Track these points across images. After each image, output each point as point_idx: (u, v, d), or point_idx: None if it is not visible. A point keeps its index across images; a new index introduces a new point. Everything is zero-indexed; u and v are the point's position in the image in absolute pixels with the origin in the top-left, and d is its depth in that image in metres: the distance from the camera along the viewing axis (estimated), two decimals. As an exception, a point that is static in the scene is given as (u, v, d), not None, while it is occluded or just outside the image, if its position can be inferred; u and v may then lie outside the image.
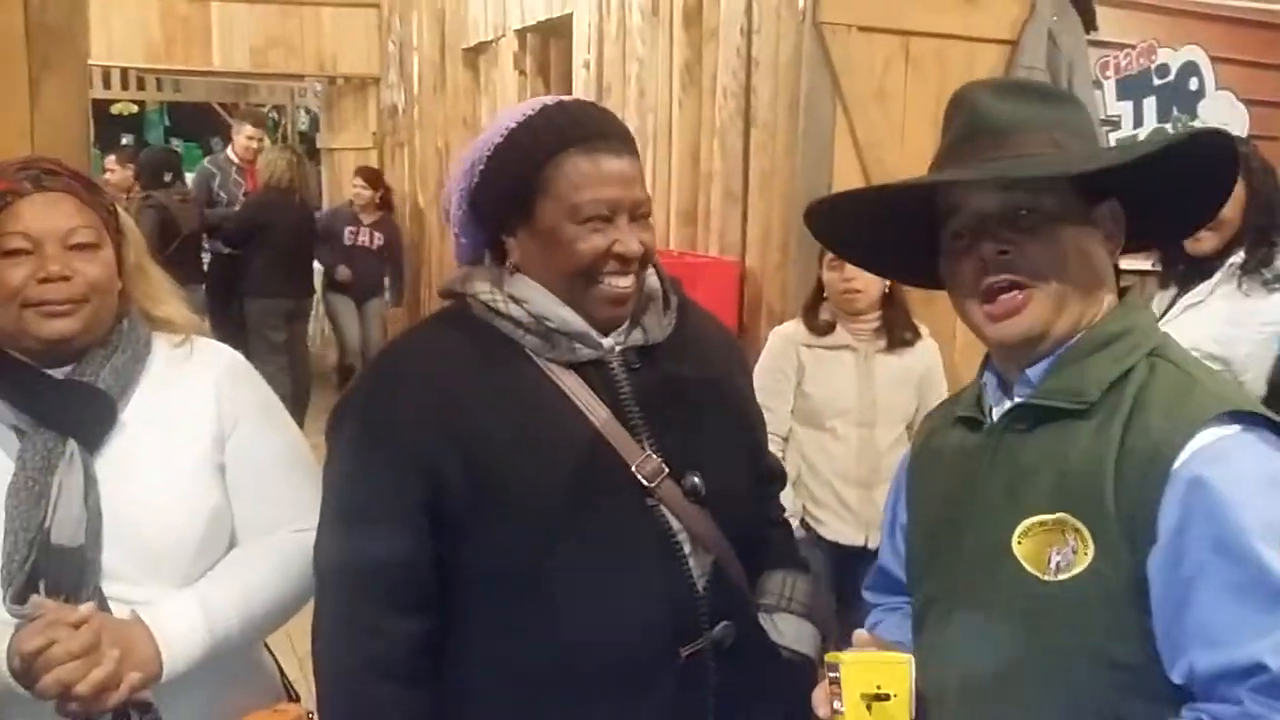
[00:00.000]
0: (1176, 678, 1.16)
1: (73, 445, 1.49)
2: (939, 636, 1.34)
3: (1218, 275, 2.89)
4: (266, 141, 7.72)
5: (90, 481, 1.49)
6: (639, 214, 1.45)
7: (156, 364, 1.61)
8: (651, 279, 1.54)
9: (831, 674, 1.27)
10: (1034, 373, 1.30)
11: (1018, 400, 1.31)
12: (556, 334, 1.45)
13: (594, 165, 1.42)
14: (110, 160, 7.51)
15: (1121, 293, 1.34)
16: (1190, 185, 1.31)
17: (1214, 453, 1.15)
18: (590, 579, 1.42)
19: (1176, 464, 1.15)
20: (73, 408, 1.51)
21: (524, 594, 1.43)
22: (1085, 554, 1.19)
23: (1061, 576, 1.20)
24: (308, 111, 11.87)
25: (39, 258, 1.49)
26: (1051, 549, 1.22)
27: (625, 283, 1.45)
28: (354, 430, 1.47)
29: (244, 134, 7.44)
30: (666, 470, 1.46)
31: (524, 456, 1.41)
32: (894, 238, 1.40)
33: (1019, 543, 1.24)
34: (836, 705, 1.25)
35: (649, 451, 1.46)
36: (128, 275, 1.62)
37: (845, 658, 1.26)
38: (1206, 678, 1.14)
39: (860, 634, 1.34)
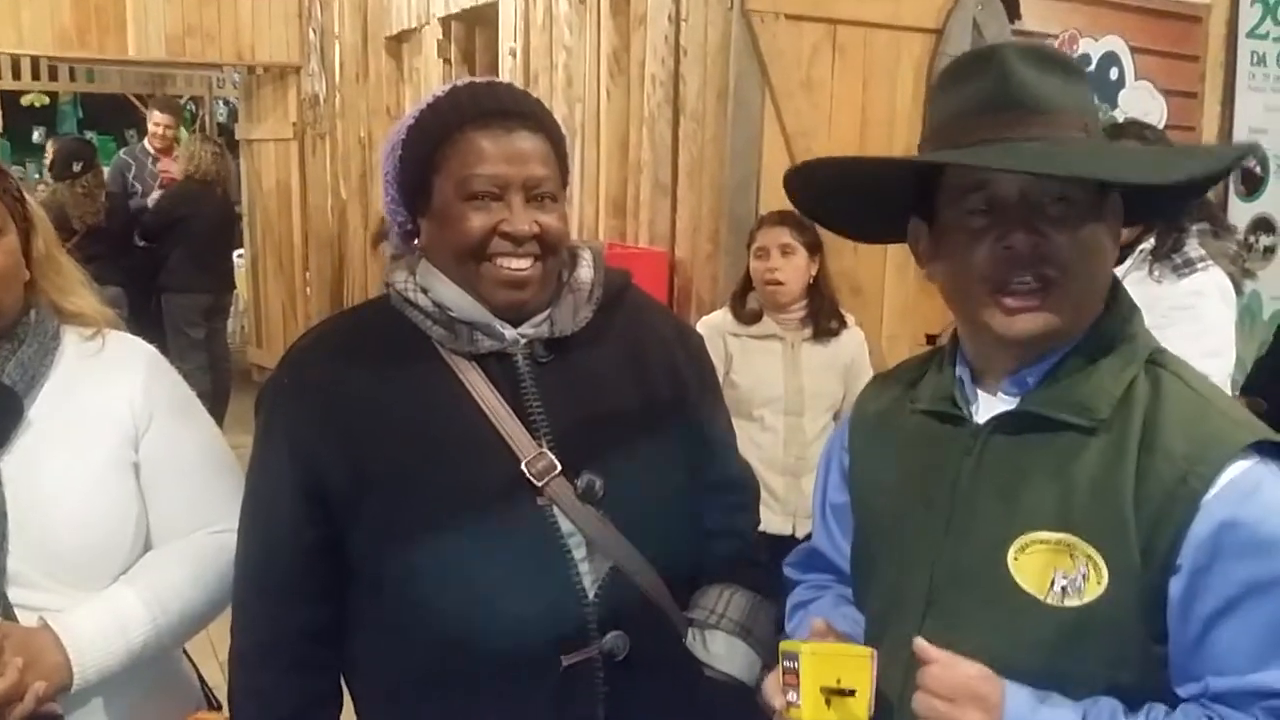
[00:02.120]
0: (1184, 694, 1.14)
1: None
2: (907, 640, 1.23)
3: (1129, 261, 2.93)
4: (184, 132, 7.53)
5: None
6: (537, 193, 1.40)
7: (66, 358, 1.53)
8: (584, 269, 1.50)
9: (787, 663, 1.20)
10: (1032, 375, 1.22)
11: (1015, 407, 1.23)
12: (459, 324, 1.42)
13: (487, 141, 1.38)
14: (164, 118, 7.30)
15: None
16: (1182, 188, 1.25)
17: (1246, 488, 1.10)
18: (470, 578, 1.37)
19: (1208, 496, 1.10)
20: None
21: (406, 590, 1.39)
22: (1099, 582, 1.13)
23: (1070, 603, 1.14)
24: (226, 102, 11.62)
25: None
26: (1055, 571, 1.15)
27: (519, 265, 1.40)
28: (258, 422, 1.47)
29: (153, 121, 7.26)
30: (558, 469, 1.40)
31: (410, 452, 1.38)
32: (866, 200, 1.32)
33: (1015, 558, 1.17)
34: (792, 697, 1.19)
35: (544, 449, 1.40)
36: (36, 265, 1.54)
37: (805, 647, 1.19)
38: (1219, 693, 1.11)
39: (818, 623, 1.29)
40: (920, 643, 1.16)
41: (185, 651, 1.69)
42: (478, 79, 1.50)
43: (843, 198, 1.33)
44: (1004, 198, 1.17)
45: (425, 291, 1.43)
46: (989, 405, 1.26)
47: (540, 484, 1.39)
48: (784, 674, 1.21)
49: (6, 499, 1.42)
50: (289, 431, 1.42)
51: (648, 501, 1.46)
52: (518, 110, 1.42)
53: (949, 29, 3.88)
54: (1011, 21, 4.00)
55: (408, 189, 1.45)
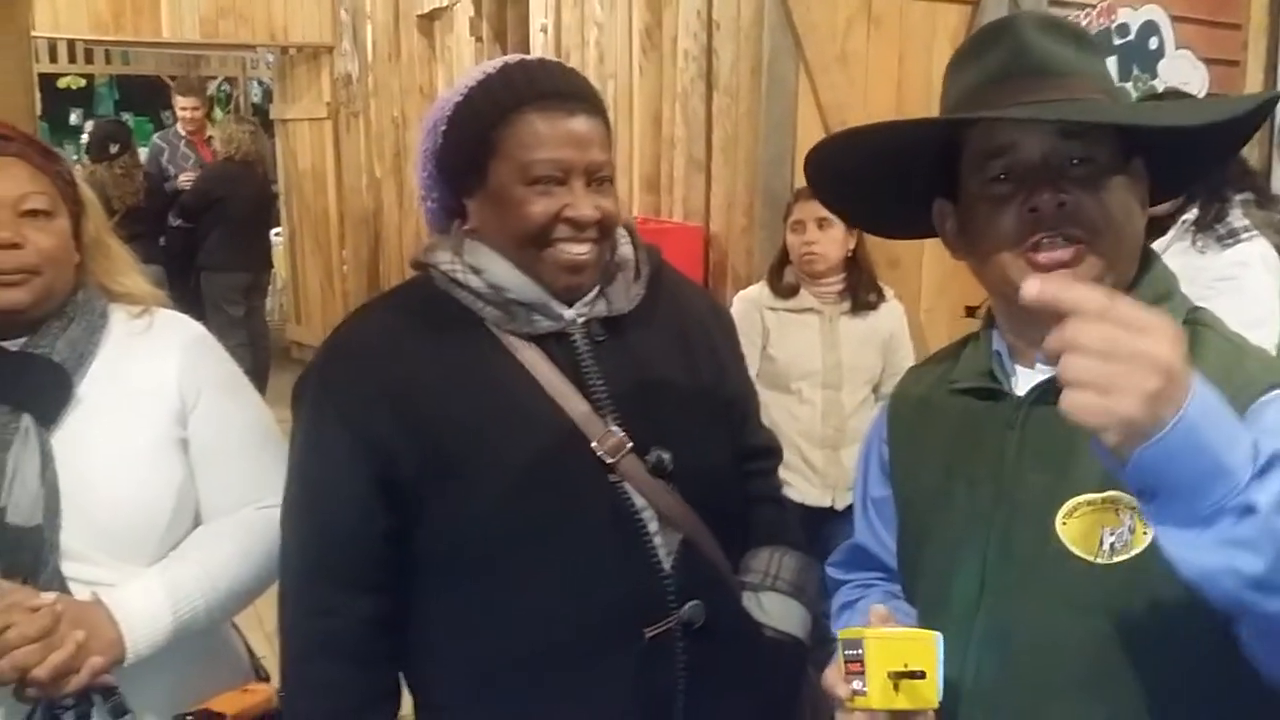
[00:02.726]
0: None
1: (27, 420, 1.45)
2: (963, 624, 1.23)
3: (1171, 233, 2.90)
4: (219, 112, 7.58)
5: (46, 458, 1.44)
6: (597, 177, 1.40)
7: (114, 336, 1.56)
8: (625, 247, 1.50)
9: (850, 651, 1.18)
10: None
11: (1053, 374, 1.23)
12: (515, 304, 1.41)
13: (547, 124, 1.37)
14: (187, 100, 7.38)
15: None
16: (1208, 145, 1.22)
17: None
18: (548, 557, 1.38)
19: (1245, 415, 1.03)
20: (26, 381, 1.46)
21: (481, 573, 1.39)
22: (1145, 531, 1.10)
23: (1119, 559, 1.12)
24: (260, 83, 11.68)
25: None
26: (1103, 530, 1.13)
27: (580, 250, 1.39)
28: (309, 407, 1.43)
29: (178, 105, 7.33)
30: (630, 445, 1.41)
31: (479, 433, 1.37)
32: (889, 187, 1.29)
33: (1063, 524, 1.15)
34: (857, 685, 1.16)
35: (611, 427, 1.41)
36: (86, 248, 1.57)
37: (868, 633, 1.17)
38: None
39: (878, 608, 1.27)
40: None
41: (234, 623, 1.72)
42: (528, 57, 1.47)
43: (864, 184, 1.31)
44: (1026, 161, 1.16)
45: (477, 272, 1.41)
46: (1028, 378, 1.25)
47: (612, 461, 1.40)
48: (846, 663, 1.19)
49: (59, 475, 1.45)
50: (349, 418, 1.38)
51: (708, 473, 1.48)
52: (575, 92, 1.41)
53: (985, 1, 3.84)
54: (1050, -9, 3.95)
55: (454, 168, 1.44)
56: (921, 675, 1.13)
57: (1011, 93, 1.16)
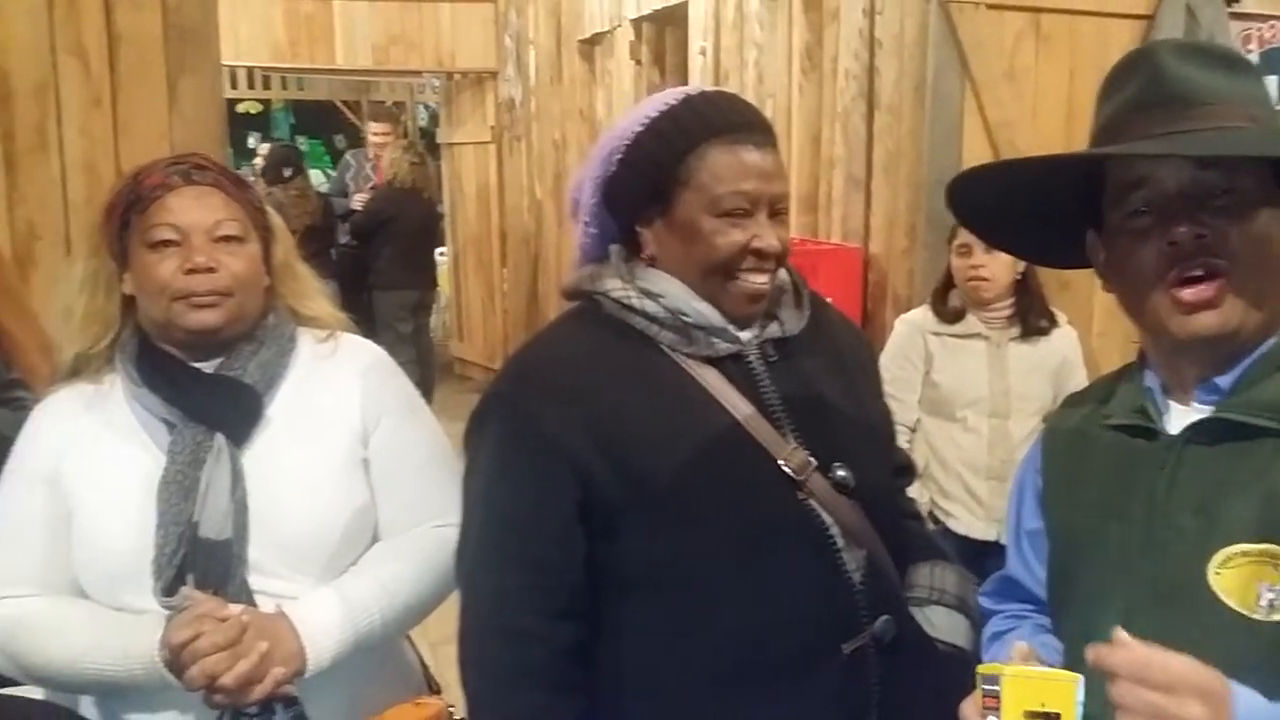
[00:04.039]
0: None
1: (220, 439, 1.51)
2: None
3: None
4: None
5: (237, 476, 1.51)
6: (778, 209, 1.43)
7: (302, 359, 1.63)
8: (781, 272, 1.51)
9: (988, 686, 1.17)
10: (1224, 380, 1.17)
11: (1208, 415, 1.17)
12: (694, 329, 1.43)
13: (736, 157, 1.39)
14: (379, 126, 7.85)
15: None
16: None
17: None
18: (745, 575, 1.39)
19: None
20: (220, 402, 1.54)
21: (677, 592, 1.40)
22: None
23: (1278, 616, 1.08)
24: (426, 107, 12.05)
25: (186, 249, 1.52)
26: (1260, 584, 1.09)
27: (762, 280, 1.42)
28: (498, 434, 1.42)
29: (370, 130, 7.65)
30: (814, 463, 1.42)
31: (671, 454, 1.38)
32: (1039, 215, 1.28)
33: (1217, 574, 1.12)
34: None
35: (794, 445, 1.42)
36: (275, 272, 1.64)
37: (1007, 670, 1.15)
38: None
39: (1021, 646, 1.24)
40: (1122, 633, 1.07)
41: (407, 637, 1.76)
42: (708, 88, 1.51)
43: (1009, 215, 1.30)
44: (1164, 193, 1.13)
45: (654, 298, 1.43)
46: (1182, 416, 1.20)
47: (800, 479, 1.41)
48: (984, 697, 1.17)
49: (248, 492, 1.51)
50: (547, 445, 1.37)
51: (881, 490, 1.51)
52: (758, 124, 1.44)
53: (1160, 14, 3.70)
54: (1228, 4, 3.78)
55: (632, 196, 1.45)
56: (1057, 718, 1.11)
57: (1147, 124, 1.14)
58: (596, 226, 1.51)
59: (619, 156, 1.45)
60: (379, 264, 6.75)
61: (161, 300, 1.52)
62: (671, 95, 1.46)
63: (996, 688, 1.15)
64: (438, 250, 8.14)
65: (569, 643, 1.40)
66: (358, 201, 7.23)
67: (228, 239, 1.55)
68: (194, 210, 1.54)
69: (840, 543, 1.43)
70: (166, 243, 1.52)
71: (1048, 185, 1.26)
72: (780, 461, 1.41)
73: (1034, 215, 1.29)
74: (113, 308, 1.58)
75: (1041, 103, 3.67)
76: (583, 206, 1.51)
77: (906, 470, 1.74)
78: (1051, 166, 1.27)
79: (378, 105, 9.99)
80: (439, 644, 1.77)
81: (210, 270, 1.52)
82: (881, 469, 1.55)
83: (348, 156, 8.03)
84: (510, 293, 7.93)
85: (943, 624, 1.53)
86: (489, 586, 1.42)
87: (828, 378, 1.51)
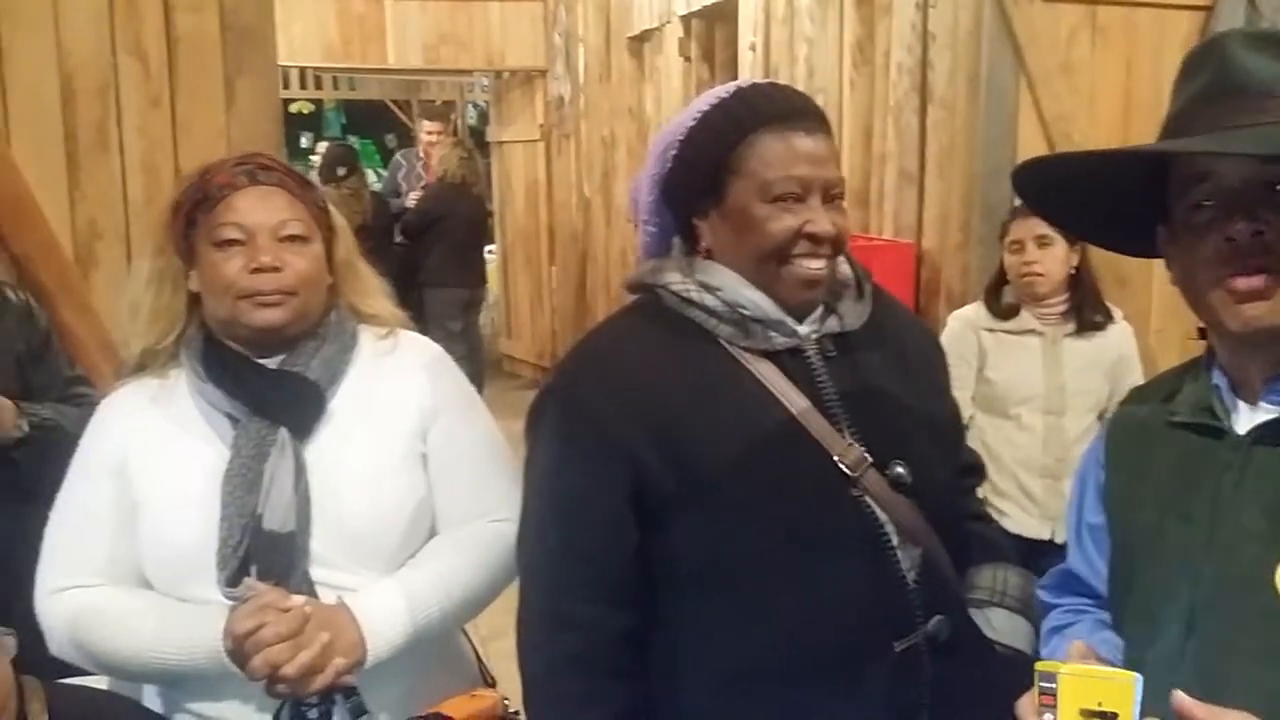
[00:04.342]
0: None
1: (284, 433, 1.54)
2: (1167, 669, 1.18)
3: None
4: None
5: (300, 469, 1.53)
6: (832, 194, 1.42)
7: (363, 356, 1.65)
8: (843, 266, 1.51)
9: (1044, 684, 1.16)
10: None
11: (1276, 413, 1.15)
12: (751, 321, 1.43)
13: (786, 143, 1.40)
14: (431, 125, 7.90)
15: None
16: None
17: None
18: (797, 570, 1.39)
19: None
20: (284, 397, 1.56)
21: (730, 586, 1.41)
22: None
23: None
24: (475, 105, 12.12)
25: (251, 249, 1.54)
26: None
27: (817, 265, 1.42)
28: (555, 424, 1.45)
29: (423, 130, 7.71)
30: (869, 460, 1.42)
31: (724, 447, 1.39)
32: (1107, 201, 1.26)
33: None
34: (1048, 718, 1.14)
35: (850, 440, 1.42)
36: (337, 270, 1.66)
37: (1063, 668, 1.15)
38: None
39: (1079, 644, 1.24)
40: (1181, 696, 1.07)
41: (463, 630, 1.78)
42: (760, 81, 1.52)
43: (1082, 201, 1.28)
44: (1227, 188, 1.11)
45: (712, 290, 1.44)
46: (1250, 415, 1.18)
47: (855, 475, 1.41)
48: (1040, 694, 1.16)
49: (310, 485, 1.53)
50: (604, 432, 1.40)
51: (940, 488, 1.49)
52: (809, 111, 1.44)
53: (1220, 5, 3.63)
54: (1293, -9, 3.71)
55: (687, 189, 1.47)
56: (1114, 718, 1.09)
57: (1214, 116, 1.12)
58: (656, 224, 1.53)
59: (674, 152, 1.46)
60: (429, 262, 6.79)
61: (227, 298, 1.55)
62: (724, 89, 1.47)
63: (1053, 685, 1.14)
64: (487, 248, 8.18)
65: (620, 631, 1.42)
66: (411, 200, 7.29)
67: (292, 238, 1.57)
68: (259, 210, 1.56)
69: (895, 540, 1.42)
70: (232, 242, 1.55)
71: (1114, 176, 1.25)
72: (835, 457, 1.40)
73: (1103, 204, 1.27)
74: (179, 304, 1.61)
75: (1098, 95, 3.63)
76: (641, 205, 1.53)
77: (974, 470, 1.72)
78: (1111, 161, 1.26)
79: (428, 104, 10.06)
80: (489, 639, 1.79)
81: (275, 269, 1.54)
82: (943, 467, 1.53)
83: (399, 156, 8.10)
84: (558, 290, 7.96)
85: (1003, 626, 1.51)
86: (544, 574, 1.45)
87: (889, 373, 1.50)
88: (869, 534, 1.42)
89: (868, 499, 1.42)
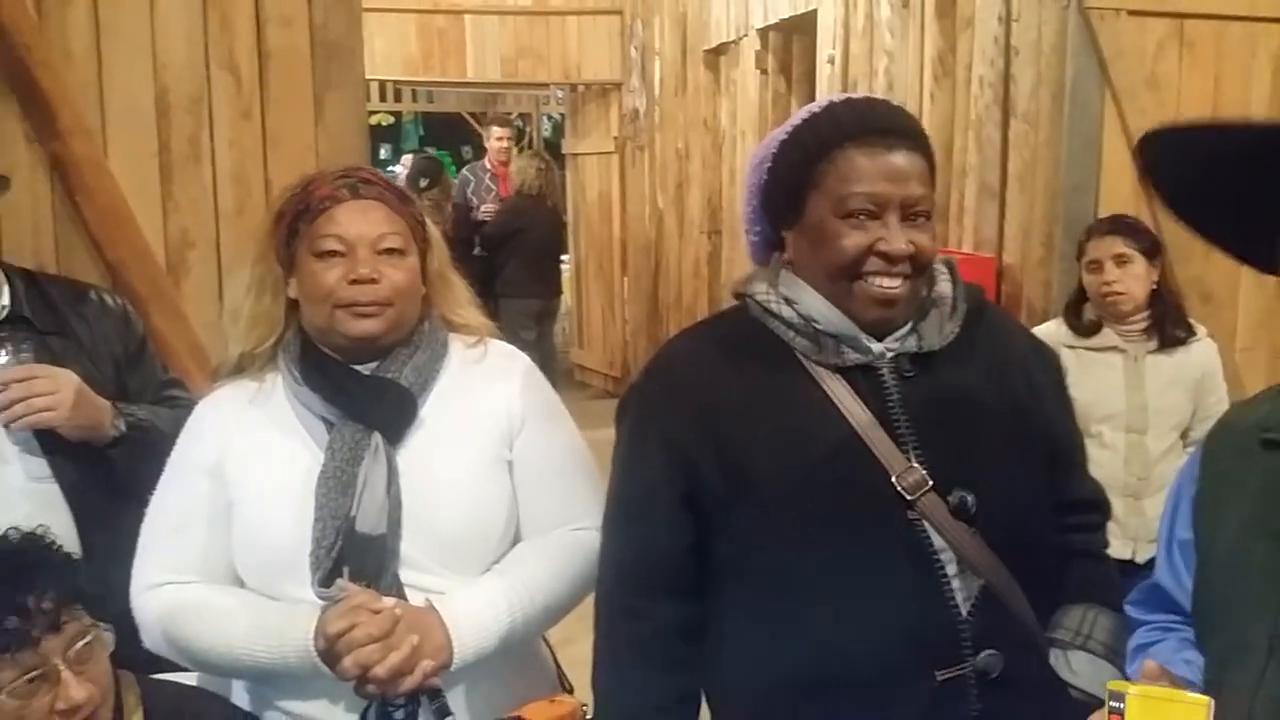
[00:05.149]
0: None
1: (377, 438, 1.57)
2: (1246, 690, 1.16)
3: None
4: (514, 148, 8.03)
5: (393, 473, 1.56)
6: (913, 212, 1.41)
7: (453, 364, 1.68)
8: (944, 284, 1.50)
9: (1114, 703, 1.14)
10: None
11: None
12: (824, 336, 1.44)
13: (866, 159, 1.39)
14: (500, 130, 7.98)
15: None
16: None
17: None
18: (840, 584, 1.39)
19: None
20: (378, 402, 1.59)
21: (773, 590, 1.42)
22: None
23: None
24: (550, 118, 12.20)
25: (351, 260, 1.58)
26: None
27: (891, 284, 1.40)
28: (629, 422, 1.52)
29: (493, 136, 7.76)
30: (931, 484, 1.40)
31: (778, 456, 1.41)
32: (1240, 202, 1.19)
33: None
34: None
35: (914, 463, 1.40)
36: (431, 282, 1.70)
37: (1133, 689, 1.13)
38: None
39: (1151, 665, 1.21)
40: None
41: (543, 637, 1.80)
42: (856, 95, 1.52)
43: (1211, 192, 1.21)
44: None
45: (790, 303, 1.45)
46: None
47: (911, 498, 1.39)
48: (1109, 714, 1.14)
49: (402, 489, 1.56)
50: (664, 436, 1.46)
51: (1017, 520, 1.45)
52: (898, 128, 1.44)
53: (1315, 17, 3.56)
54: (1392, 3, 3.62)
55: (776, 202, 1.49)
56: None
57: None
58: (757, 233, 1.56)
59: (768, 165, 1.48)
60: (506, 273, 6.87)
61: (325, 307, 1.59)
62: (819, 103, 1.49)
63: (1121, 705, 1.12)
64: (562, 258, 8.23)
65: (677, 623, 1.47)
66: (484, 214, 7.36)
67: (390, 251, 1.61)
68: (359, 223, 1.60)
69: (951, 569, 1.40)
70: (332, 253, 1.59)
71: (1254, 170, 1.17)
72: (894, 478, 1.39)
73: (1234, 200, 1.20)
74: (278, 310, 1.65)
75: (1185, 111, 3.56)
76: (743, 214, 1.57)
77: (1090, 506, 1.62)
78: (1263, 137, 1.17)
79: (496, 113, 10.12)
80: (559, 645, 1.82)
81: (373, 281, 1.58)
82: (1030, 497, 1.48)
83: (465, 171, 8.07)
84: (630, 301, 7.99)
85: (1083, 670, 1.45)
86: (611, 565, 1.52)
87: (976, 396, 1.46)
88: (919, 559, 1.40)
89: (925, 524, 1.40)
